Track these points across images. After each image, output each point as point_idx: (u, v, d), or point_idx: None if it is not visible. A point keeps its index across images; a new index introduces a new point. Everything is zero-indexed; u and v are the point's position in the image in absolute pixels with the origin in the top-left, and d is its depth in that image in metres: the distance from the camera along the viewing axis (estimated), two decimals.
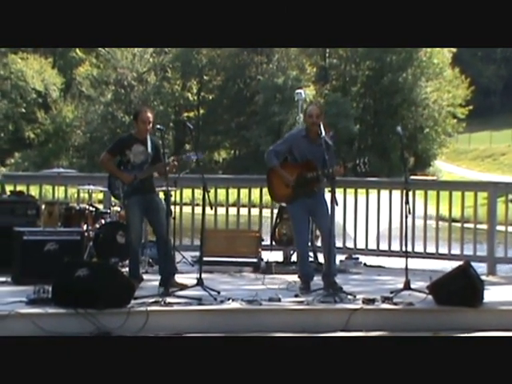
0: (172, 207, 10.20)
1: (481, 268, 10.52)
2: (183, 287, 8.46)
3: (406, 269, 8.69)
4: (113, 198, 10.54)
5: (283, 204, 10.08)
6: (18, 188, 11.43)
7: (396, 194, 10.96)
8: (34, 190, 11.64)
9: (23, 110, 58.18)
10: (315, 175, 8.83)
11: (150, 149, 9.04)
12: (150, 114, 9.04)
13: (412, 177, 13.95)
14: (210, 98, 61.86)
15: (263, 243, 11.03)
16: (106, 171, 9.34)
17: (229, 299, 8.09)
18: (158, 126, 9.02)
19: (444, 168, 60.37)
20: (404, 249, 9.20)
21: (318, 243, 11.04)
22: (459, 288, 8.08)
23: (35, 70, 59.33)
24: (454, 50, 58.75)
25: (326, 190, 9.14)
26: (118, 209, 10.40)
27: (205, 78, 62.02)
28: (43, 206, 10.59)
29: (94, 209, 10.58)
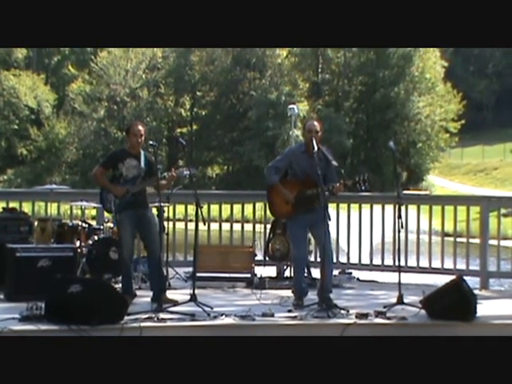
0: (165, 223, 10.21)
1: (474, 282, 10.54)
2: (174, 303, 8.45)
3: (399, 283, 8.70)
4: (106, 214, 10.56)
5: (283, 220, 10.08)
6: (11, 205, 11.40)
7: (389, 208, 10.97)
8: (26, 207, 11.63)
9: (16, 127, 58.23)
10: (315, 192, 8.82)
11: (143, 163, 9.05)
12: (141, 127, 9.08)
13: (405, 191, 13.97)
14: (203, 113, 61.92)
15: (256, 258, 11.03)
16: (98, 185, 9.33)
17: (222, 315, 8.06)
18: (151, 142, 9.03)
19: (437, 182, 60.46)
20: (397, 263, 9.21)
21: (311, 258, 11.09)
22: (452, 302, 8.08)
23: (28, 87, 59.43)
24: (445, 64, 59.02)
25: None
26: (111, 225, 10.40)
27: (198, 93, 62.12)
28: (36, 223, 10.58)
29: (86, 225, 10.58)
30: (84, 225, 10.49)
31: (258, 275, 10.73)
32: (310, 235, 9.52)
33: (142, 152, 9.12)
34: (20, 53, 63.49)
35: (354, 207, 11.58)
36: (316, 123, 9.13)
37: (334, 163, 9.03)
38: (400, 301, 8.57)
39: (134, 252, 9.47)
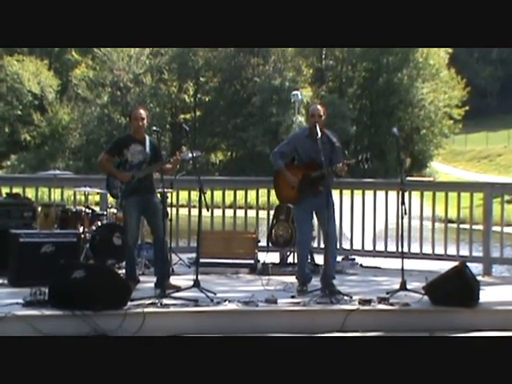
0: (168, 209, 10.22)
1: (477, 268, 10.55)
2: (177, 289, 8.47)
3: (402, 269, 8.70)
4: (110, 200, 10.57)
5: (289, 205, 10.08)
6: (15, 190, 11.40)
7: (392, 194, 10.96)
8: (30, 193, 11.64)
9: (19, 113, 58.24)
10: (320, 174, 8.80)
11: (148, 149, 9.04)
12: (141, 111, 9.08)
13: (408, 178, 13.96)
14: (207, 99, 61.88)
15: (260, 244, 11.04)
16: (104, 172, 9.33)
17: (225, 300, 8.08)
18: (155, 128, 9.02)
19: (441, 169, 60.41)
20: (400, 249, 9.20)
21: (315, 244, 11.09)
22: (455, 288, 8.10)
23: (31, 72, 59.37)
24: (450, 50, 58.84)
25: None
26: (115, 211, 10.41)
27: (201, 79, 62.04)
28: (39, 209, 10.59)
29: (90, 211, 10.59)
30: (87, 210, 10.49)
31: (262, 261, 10.74)
32: (314, 221, 9.52)
33: (147, 137, 9.12)
34: None
35: (358, 193, 11.57)
36: (320, 107, 9.07)
37: (338, 145, 9.00)
38: (403, 287, 8.58)
39: (138, 238, 9.48)
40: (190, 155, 9.01)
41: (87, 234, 10.11)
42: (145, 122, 9.03)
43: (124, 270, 9.17)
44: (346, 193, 11.56)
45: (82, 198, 11.61)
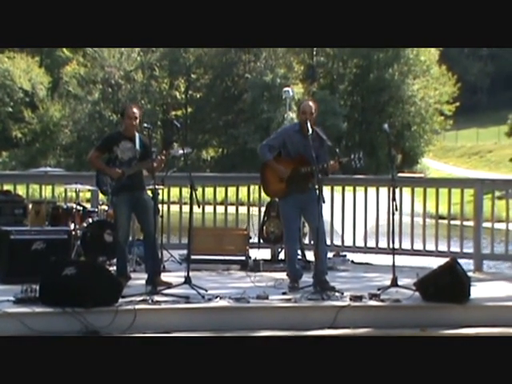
0: (160, 206, 10.21)
1: (468, 265, 10.57)
2: (168, 286, 8.47)
3: (394, 266, 8.72)
4: (100, 197, 10.56)
5: (276, 199, 10.06)
6: (5, 187, 11.40)
7: (383, 191, 10.99)
8: (21, 189, 11.62)
9: (10, 110, 58.10)
10: (309, 170, 8.80)
11: (138, 146, 9.04)
12: (135, 110, 9.07)
13: (399, 174, 13.98)
14: (198, 96, 61.83)
15: (251, 241, 11.04)
16: (94, 169, 9.33)
17: (216, 297, 8.09)
18: (145, 125, 9.02)
19: (432, 165, 60.55)
20: (391, 246, 9.23)
21: (306, 241, 11.10)
22: (446, 284, 8.12)
23: (22, 69, 59.27)
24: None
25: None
26: (106, 207, 10.39)
27: (192, 76, 61.98)
28: (30, 206, 10.57)
29: (81, 208, 10.56)
30: (78, 207, 10.46)
31: (253, 258, 10.74)
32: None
33: (137, 134, 9.12)
34: None
35: (349, 190, 11.58)
36: (311, 104, 9.07)
37: (329, 143, 9.01)
38: (394, 283, 8.59)
39: (129, 234, 9.48)
40: (181, 152, 9.02)
41: (78, 231, 10.08)
42: (138, 121, 9.03)
43: (115, 267, 9.16)
44: (337, 189, 11.56)
45: (73, 194, 11.59)
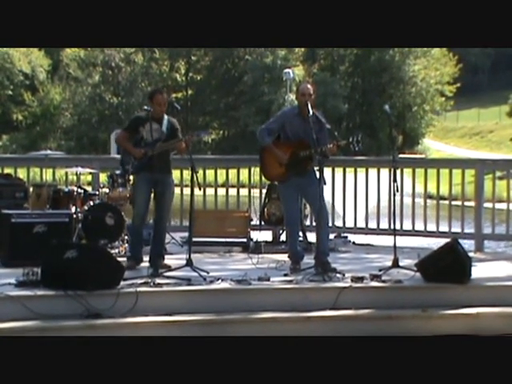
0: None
1: (469, 245, 10.58)
2: (168, 268, 8.49)
3: (395, 247, 8.73)
4: (102, 179, 10.56)
5: (275, 182, 10.06)
6: (6, 171, 11.40)
7: (384, 172, 10.98)
8: (21, 173, 11.62)
9: (10, 93, 58.06)
10: (308, 153, 8.79)
11: (164, 127, 9.03)
12: (165, 96, 9.13)
13: (400, 155, 13.97)
14: (198, 78, 61.74)
15: (252, 223, 11.03)
16: (121, 148, 9.74)
17: (218, 279, 8.09)
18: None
19: (432, 146, 60.53)
20: (392, 227, 9.23)
21: (307, 222, 11.10)
22: (447, 265, 8.12)
23: (22, 52, 59.09)
24: None
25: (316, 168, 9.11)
26: (107, 190, 10.38)
27: (193, 58, 61.87)
28: (31, 189, 10.58)
29: (82, 191, 10.55)
30: (79, 190, 10.45)
31: (254, 240, 10.75)
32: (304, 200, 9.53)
33: (166, 117, 9.12)
34: None
35: (350, 171, 11.57)
36: (309, 86, 9.07)
37: (328, 126, 9.01)
38: (395, 264, 8.60)
39: (146, 216, 9.31)
40: (203, 134, 9.24)
41: (79, 214, 10.07)
42: (165, 107, 9.09)
43: (116, 250, 9.17)
44: (338, 170, 11.55)
45: (74, 177, 11.58)
